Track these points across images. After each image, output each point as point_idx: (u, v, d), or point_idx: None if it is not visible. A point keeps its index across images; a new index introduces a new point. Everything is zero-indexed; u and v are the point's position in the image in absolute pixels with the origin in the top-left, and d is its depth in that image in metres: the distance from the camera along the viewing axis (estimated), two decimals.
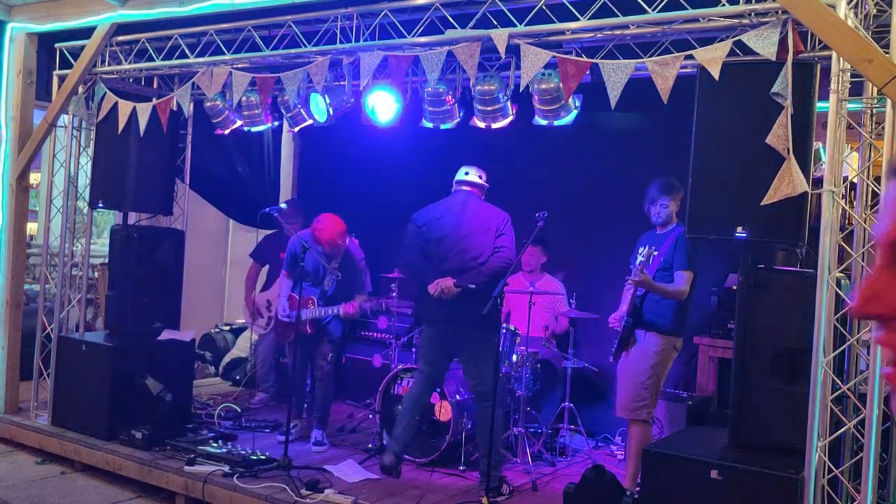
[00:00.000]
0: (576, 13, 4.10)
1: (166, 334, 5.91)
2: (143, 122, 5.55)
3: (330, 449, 5.62)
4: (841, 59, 3.49)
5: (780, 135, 3.52)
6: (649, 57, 3.95)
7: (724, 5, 3.73)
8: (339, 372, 6.29)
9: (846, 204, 3.69)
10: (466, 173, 5.07)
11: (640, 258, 4.78)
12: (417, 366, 5.25)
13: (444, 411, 5.34)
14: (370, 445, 5.59)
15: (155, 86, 6.21)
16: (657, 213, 4.78)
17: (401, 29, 4.70)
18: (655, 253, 4.72)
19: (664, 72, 3.77)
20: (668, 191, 4.74)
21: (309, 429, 5.86)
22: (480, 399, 4.86)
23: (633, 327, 4.74)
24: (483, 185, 5.08)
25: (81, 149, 6.21)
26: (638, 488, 4.29)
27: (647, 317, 4.70)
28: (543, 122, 4.65)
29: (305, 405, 6.38)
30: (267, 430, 6.01)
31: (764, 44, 3.56)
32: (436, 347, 5.01)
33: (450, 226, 4.95)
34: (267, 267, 7.05)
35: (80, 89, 5.90)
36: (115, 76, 5.91)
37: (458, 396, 5.38)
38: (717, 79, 3.65)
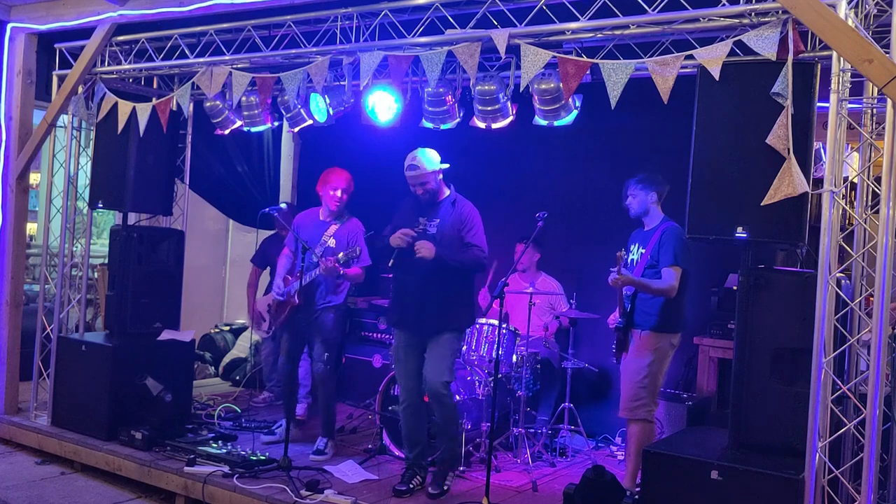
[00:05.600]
0: (576, 13, 4.10)
1: (166, 334, 5.91)
2: (142, 123, 5.55)
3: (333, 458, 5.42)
4: (841, 59, 3.49)
5: (780, 135, 3.52)
6: (649, 57, 3.94)
7: (724, 5, 3.73)
8: (339, 374, 6.26)
9: (846, 204, 3.70)
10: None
11: (631, 257, 4.82)
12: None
13: None
14: (370, 446, 5.59)
15: (155, 86, 6.22)
16: (627, 205, 4.90)
17: (401, 29, 4.70)
18: (643, 251, 4.75)
19: (664, 72, 3.76)
20: (633, 183, 4.85)
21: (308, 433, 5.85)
22: (431, 395, 4.76)
23: (626, 328, 4.76)
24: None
25: (81, 149, 6.22)
26: (638, 488, 4.29)
27: (637, 316, 4.75)
28: (543, 122, 4.65)
29: (307, 404, 6.37)
30: (267, 431, 6.00)
31: (764, 44, 3.56)
32: (410, 349, 4.88)
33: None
34: (268, 269, 7.04)
35: (80, 89, 5.90)
36: (114, 76, 5.91)
37: (458, 396, 5.37)
38: (717, 79, 3.66)
